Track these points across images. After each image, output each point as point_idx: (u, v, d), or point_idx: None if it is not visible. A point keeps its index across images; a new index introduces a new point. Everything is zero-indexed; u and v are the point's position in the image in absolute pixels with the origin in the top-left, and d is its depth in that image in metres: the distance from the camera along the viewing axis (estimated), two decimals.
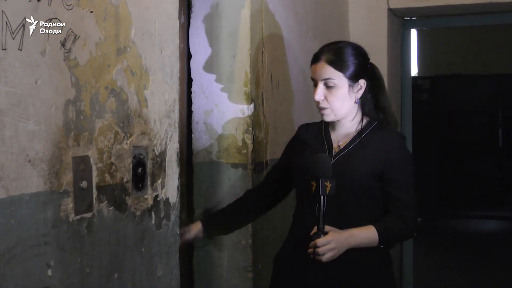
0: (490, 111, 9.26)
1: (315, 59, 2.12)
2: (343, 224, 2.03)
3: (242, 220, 2.38)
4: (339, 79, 2.07)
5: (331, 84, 2.07)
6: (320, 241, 1.94)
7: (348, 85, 2.08)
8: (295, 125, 2.74)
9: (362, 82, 2.10)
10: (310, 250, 1.96)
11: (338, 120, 2.14)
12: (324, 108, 2.09)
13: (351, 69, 2.08)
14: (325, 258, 1.95)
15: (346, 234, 1.99)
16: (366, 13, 4.25)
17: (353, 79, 2.08)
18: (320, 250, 1.94)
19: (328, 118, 2.11)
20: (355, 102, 2.11)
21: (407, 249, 4.74)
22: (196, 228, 2.30)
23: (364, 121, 2.14)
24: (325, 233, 1.96)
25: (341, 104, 2.08)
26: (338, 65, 2.07)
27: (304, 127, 2.29)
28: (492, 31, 8.32)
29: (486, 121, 9.27)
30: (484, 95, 9.25)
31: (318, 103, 2.10)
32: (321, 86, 2.08)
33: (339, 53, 2.08)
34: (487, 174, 9.14)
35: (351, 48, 2.12)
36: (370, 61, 2.17)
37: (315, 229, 1.97)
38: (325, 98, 2.08)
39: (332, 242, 1.95)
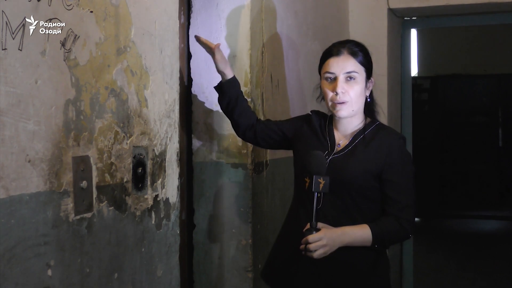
0: (490, 111, 9.26)
1: (336, 52, 2.11)
2: (340, 222, 2.03)
3: (236, 109, 2.33)
4: (361, 73, 2.10)
5: (353, 78, 2.08)
6: (311, 237, 1.95)
7: (365, 81, 2.10)
8: None
9: (373, 81, 2.15)
10: (302, 247, 1.97)
11: (341, 119, 2.14)
12: (343, 102, 2.08)
13: (368, 65, 2.13)
14: (316, 254, 1.95)
15: (339, 231, 2.00)
16: (366, 13, 4.25)
17: (368, 76, 2.13)
18: (311, 246, 1.94)
19: (344, 113, 2.10)
20: (367, 100, 2.14)
21: (407, 249, 4.74)
22: (230, 71, 2.30)
23: (366, 121, 2.15)
24: (318, 230, 1.96)
25: (358, 99, 2.10)
26: (361, 59, 2.10)
27: (317, 114, 2.27)
28: (492, 31, 8.33)
29: (486, 121, 9.27)
30: (484, 95, 9.25)
31: (335, 97, 2.08)
32: (342, 79, 2.08)
33: (361, 49, 2.13)
34: (487, 174, 9.14)
35: (364, 46, 2.17)
36: None
37: (308, 225, 1.98)
38: (346, 91, 2.08)
39: (324, 238, 1.95)
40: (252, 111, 2.40)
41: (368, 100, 2.16)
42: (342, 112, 2.09)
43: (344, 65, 2.08)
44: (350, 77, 2.08)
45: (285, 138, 2.32)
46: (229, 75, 2.30)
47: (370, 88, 2.15)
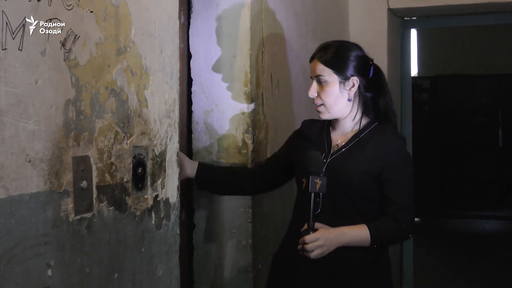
0: (490, 111, 9.26)
1: (311, 57, 2.17)
2: (338, 223, 2.04)
3: (229, 185, 2.36)
4: (329, 76, 2.10)
5: (322, 81, 2.11)
6: (308, 237, 1.95)
7: (338, 82, 2.10)
8: (295, 125, 2.74)
9: (355, 80, 2.11)
10: (299, 247, 1.97)
11: (337, 119, 2.15)
12: (319, 105, 2.13)
13: (341, 66, 2.10)
14: (313, 255, 1.96)
15: (336, 231, 2.00)
16: (366, 13, 4.25)
17: (344, 76, 2.09)
18: (308, 246, 1.95)
19: (324, 115, 2.14)
20: (348, 100, 2.11)
21: (407, 249, 4.74)
22: (191, 166, 2.29)
23: (363, 122, 2.15)
24: (315, 230, 1.97)
25: (334, 101, 2.10)
26: (328, 62, 2.10)
27: (308, 123, 2.29)
28: (492, 31, 8.32)
29: (486, 121, 9.27)
30: (484, 95, 9.25)
31: (313, 100, 2.14)
32: (314, 83, 2.13)
33: (329, 51, 2.13)
34: (487, 174, 9.14)
35: (343, 46, 2.16)
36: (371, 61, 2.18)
37: (305, 226, 1.98)
38: (318, 95, 2.11)
39: (321, 239, 1.96)
40: (238, 169, 2.41)
41: (349, 100, 2.12)
42: (321, 114, 2.15)
43: (313, 70, 2.13)
44: (320, 81, 2.11)
45: (285, 161, 2.31)
46: (194, 167, 2.29)
47: (353, 89, 2.11)
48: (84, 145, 1.45)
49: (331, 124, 2.20)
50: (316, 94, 2.12)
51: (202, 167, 2.30)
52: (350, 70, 2.11)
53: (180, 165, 2.16)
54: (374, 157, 2.07)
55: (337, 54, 2.11)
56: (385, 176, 2.06)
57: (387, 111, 2.18)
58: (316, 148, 2.13)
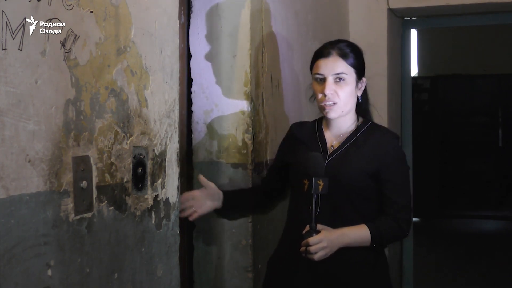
0: (490, 111, 9.26)
1: (325, 53, 2.10)
2: (337, 223, 2.04)
3: (249, 207, 2.42)
4: (351, 74, 2.08)
5: (343, 79, 2.07)
6: (312, 239, 1.95)
7: (355, 81, 2.09)
8: None
9: (364, 80, 2.14)
10: (302, 249, 1.97)
11: (334, 120, 2.14)
12: (333, 104, 2.08)
13: (359, 65, 2.11)
14: (317, 256, 1.96)
15: (338, 232, 2.00)
16: (366, 13, 4.25)
17: (359, 76, 2.11)
18: (312, 248, 1.95)
19: (334, 114, 2.10)
20: (358, 100, 2.13)
21: (407, 249, 4.74)
22: (218, 197, 2.27)
23: (359, 121, 2.16)
24: (317, 232, 1.97)
25: (348, 100, 2.09)
26: (351, 60, 2.09)
27: (298, 126, 2.29)
28: (492, 31, 8.32)
29: (486, 121, 9.27)
30: (484, 95, 9.24)
31: (324, 99, 2.08)
32: (331, 81, 2.07)
33: (352, 49, 2.11)
34: (487, 174, 9.14)
35: (356, 46, 2.16)
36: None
37: (307, 227, 1.98)
38: (335, 92, 2.08)
39: (324, 240, 1.95)
40: (252, 189, 2.43)
41: (360, 100, 2.15)
42: (332, 113, 2.09)
43: (333, 67, 2.07)
44: (339, 79, 2.07)
45: (284, 168, 2.29)
46: (220, 197, 2.28)
47: (362, 88, 2.14)
48: (84, 145, 1.46)
49: (323, 124, 2.20)
50: (333, 92, 2.07)
51: (226, 195, 2.29)
52: (363, 70, 2.14)
53: (212, 196, 2.25)
54: (372, 156, 2.07)
55: (356, 53, 2.12)
56: (383, 175, 2.06)
57: (370, 111, 2.20)
58: (310, 150, 2.12)
